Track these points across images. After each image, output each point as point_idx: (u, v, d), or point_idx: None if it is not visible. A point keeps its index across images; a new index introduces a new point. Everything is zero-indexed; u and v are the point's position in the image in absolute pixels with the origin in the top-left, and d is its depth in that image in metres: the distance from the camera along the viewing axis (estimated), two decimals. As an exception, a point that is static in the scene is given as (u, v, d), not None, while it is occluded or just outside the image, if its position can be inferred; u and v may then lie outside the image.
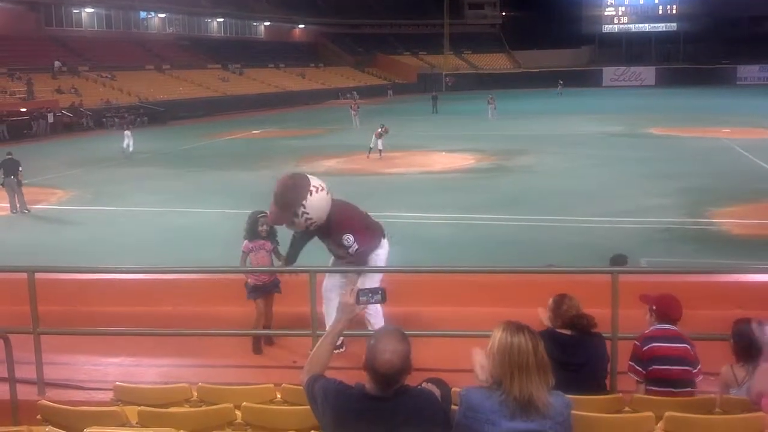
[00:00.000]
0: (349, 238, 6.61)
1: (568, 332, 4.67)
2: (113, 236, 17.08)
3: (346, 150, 31.62)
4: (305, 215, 6.41)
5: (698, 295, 6.50)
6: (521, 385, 3.23)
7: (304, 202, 6.37)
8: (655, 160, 26.63)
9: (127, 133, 33.43)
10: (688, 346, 4.80)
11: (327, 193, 6.60)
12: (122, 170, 28.45)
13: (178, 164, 29.69)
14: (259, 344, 7.03)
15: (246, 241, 7.17)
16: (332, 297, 6.72)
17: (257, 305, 7.12)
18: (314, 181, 6.56)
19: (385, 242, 7.06)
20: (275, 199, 6.55)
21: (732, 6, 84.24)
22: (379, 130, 29.62)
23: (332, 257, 7.05)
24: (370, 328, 6.35)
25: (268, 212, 6.92)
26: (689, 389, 4.73)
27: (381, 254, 7.00)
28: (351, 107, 44.21)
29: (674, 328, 4.89)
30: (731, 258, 13.50)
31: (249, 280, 7.12)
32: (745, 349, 4.61)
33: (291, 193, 6.44)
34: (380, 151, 29.67)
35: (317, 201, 6.46)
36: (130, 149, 32.64)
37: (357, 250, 6.64)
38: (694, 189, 20.63)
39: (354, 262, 6.71)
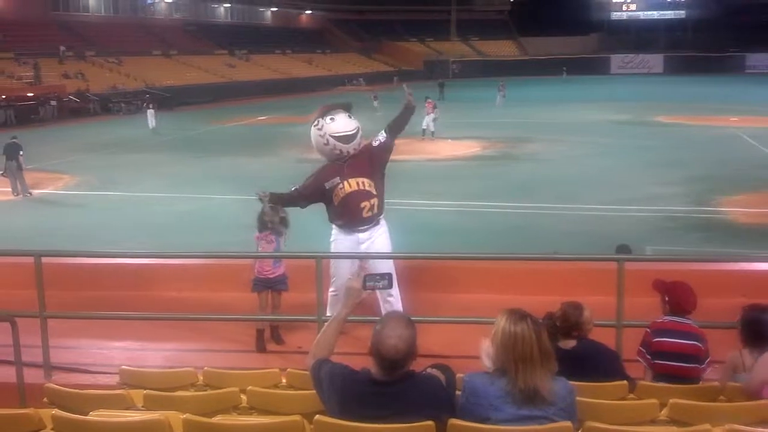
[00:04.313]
0: (380, 134, 7.15)
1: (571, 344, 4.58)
2: (119, 221, 17.11)
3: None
4: (353, 118, 7.04)
5: (704, 283, 6.48)
6: (525, 376, 3.24)
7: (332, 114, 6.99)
8: (662, 148, 26.51)
9: (150, 111, 36.62)
10: (698, 343, 4.75)
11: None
12: (128, 156, 28.47)
13: (185, 150, 29.69)
14: (262, 341, 6.90)
15: (257, 232, 7.10)
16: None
17: (260, 299, 7.00)
18: None
19: (384, 223, 7.11)
20: (327, 105, 7.18)
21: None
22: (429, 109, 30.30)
23: (334, 292, 6.97)
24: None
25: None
26: (693, 385, 4.72)
27: (386, 239, 7.03)
28: (372, 98, 43.58)
29: (687, 321, 4.83)
30: (737, 247, 13.47)
31: (255, 272, 7.02)
32: (753, 335, 4.61)
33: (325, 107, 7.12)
34: (432, 132, 30.33)
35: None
36: (153, 125, 36.00)
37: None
38: (701, 177, 20.55)
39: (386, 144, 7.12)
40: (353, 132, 6.86)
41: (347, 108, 7.09)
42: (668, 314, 4.91)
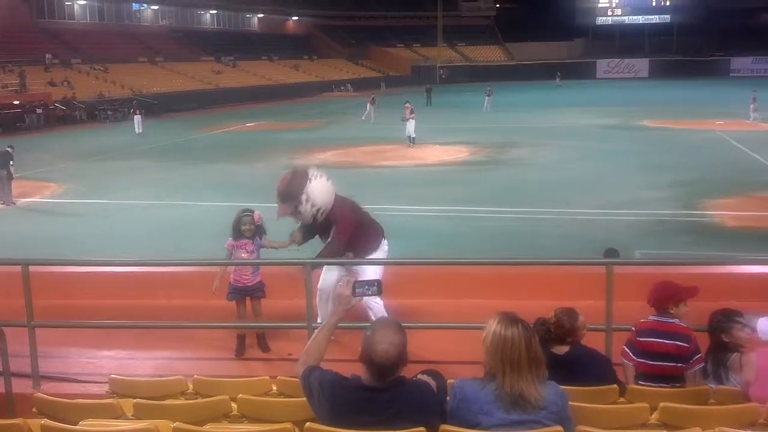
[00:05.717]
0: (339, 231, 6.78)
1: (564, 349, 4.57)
2: (107, 229, 17.03)
3: (340, 143, 31.57)
4: (309, 202, 6.59)
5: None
6: (512, 381, 3.25)
7: (304, 189, 6.57)
8: (649, 152, 26.65)
9: (137, 117, 38.41)
10: (682, 343, 4.80)
11: (327, 179, 6.78)
12: (116, 163, 28.35)
13: (172, 157, 29.58)
14: (243, 347, 6.90)
15: (230, 239, 7.02)
16: (326, 296, 6.80)
17: (237, 307, 6.97)
18: (312, 170, 6.77)
19: (384, 244, 7.10)
20: (278, 194, 6.72)
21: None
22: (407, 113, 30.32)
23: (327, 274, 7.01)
24: (373, 319, 6.37)
25: (256, 212, 7.04)
26: (677, 384, 4.75)
27: (380, 255, 7.03)
28: (369, 102, 43.36)
29: (672, 321, 4.88)
30: (725, 250, 13.54)
31: (231, 281, 6.97)
32: (714, 340, 4.79)
33: (291, 184, 6.65)
34: (412, 137, 30.25)
35: (318, 186, 6.66)
36: (139, 130, 37.67)
37: (335, 241, 6.74)
38: (687, 181, 20.66)
39: (331, 252, 6.72)
40: (300, 223, 6.85)
41: (287, 199, 6.69)
42: (654, 314, 4.98)
